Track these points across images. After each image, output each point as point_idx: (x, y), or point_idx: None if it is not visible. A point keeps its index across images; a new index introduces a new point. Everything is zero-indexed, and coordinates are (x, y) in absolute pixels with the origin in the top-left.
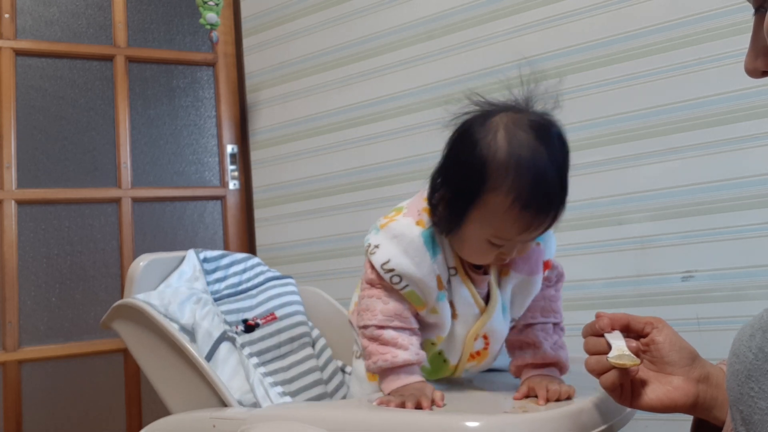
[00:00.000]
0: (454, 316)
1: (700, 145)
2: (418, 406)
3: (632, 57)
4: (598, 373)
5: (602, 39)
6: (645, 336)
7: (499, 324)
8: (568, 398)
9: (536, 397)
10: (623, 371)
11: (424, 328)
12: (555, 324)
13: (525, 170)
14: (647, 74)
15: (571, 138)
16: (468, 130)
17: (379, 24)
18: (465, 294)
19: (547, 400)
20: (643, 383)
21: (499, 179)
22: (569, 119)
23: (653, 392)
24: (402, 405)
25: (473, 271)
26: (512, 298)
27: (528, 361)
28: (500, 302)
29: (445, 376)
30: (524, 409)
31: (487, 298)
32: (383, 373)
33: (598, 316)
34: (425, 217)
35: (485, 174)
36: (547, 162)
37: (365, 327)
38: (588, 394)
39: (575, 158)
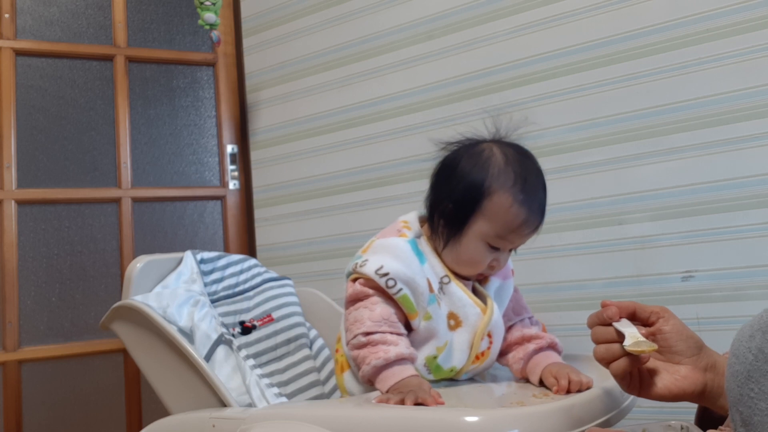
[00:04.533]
0: (458, 324)
1: (700, 145)
2: (418, 403)
3: (632, 57)
4: (608, 361)
5: (602, 39)
6: (651, 325)
7: (499, 320)
8: (588, 388)
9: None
10: (633, 359)
11: (422, 342)
12: (529, 318)
13: (520, 173)
14: (647, 74)
15: (571, 138)
16: (461, 156)
17: (379, 24)
18: (463, 297)
19: (568, 391)
20: (652, 372)
21: (500, 181)
22: (569, 119)
23: (661, 381)
24: (401, 402)
25: (461, 278)
26: (495, 302)
27: (531, 349)
28: (493, 299)
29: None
30: (522, 403)
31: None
32: (377, 372)
33: (604, 304)
34: (406, 232)
35: (487, 181)
36: (534, 168)
37: (354, 337)
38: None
39: (575, 158)
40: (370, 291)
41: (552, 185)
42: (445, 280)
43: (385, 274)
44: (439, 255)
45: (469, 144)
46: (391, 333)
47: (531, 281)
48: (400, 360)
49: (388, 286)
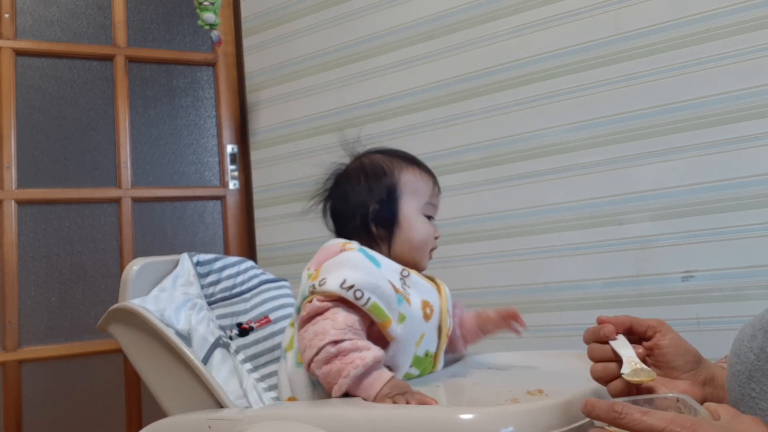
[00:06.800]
0: (432, 311)
1: (700, 145)
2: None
3: (632, 57)
4: (605, 381)
5: (602, 39)
6: (648, 339)
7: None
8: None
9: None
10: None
11: (406, 345)
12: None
13: (402, 155)
14: (647, 74)
15: (571, 138)
16: (349, 172)
17: (379, 24)
18: (425, 284)
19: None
20: (649, 389)
21: (398, 165)
22: (569, 119)
23: None
24: (407, 403)
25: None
26: None
27: (458, 314)
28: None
29: (428, 372)
30: (516, 401)
31: None
32: (358, 382)
33: (600, 321)
34: (349, 245)
35: (389, 170)
36: (400, 150)
37: (319, 351)
38: (579, 384)
39: (575, 158)
40: (329, 303)
41: (552, 185)
42: (405, 273)
43: (351, 287)
44: (389, 256)
45: (348, 165)
46: (359, 339)
47: (531, 281)
48: (377, 363)
49: (356, 298)
